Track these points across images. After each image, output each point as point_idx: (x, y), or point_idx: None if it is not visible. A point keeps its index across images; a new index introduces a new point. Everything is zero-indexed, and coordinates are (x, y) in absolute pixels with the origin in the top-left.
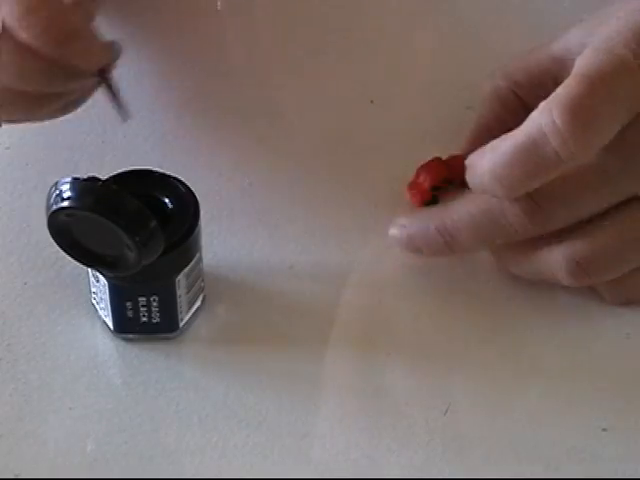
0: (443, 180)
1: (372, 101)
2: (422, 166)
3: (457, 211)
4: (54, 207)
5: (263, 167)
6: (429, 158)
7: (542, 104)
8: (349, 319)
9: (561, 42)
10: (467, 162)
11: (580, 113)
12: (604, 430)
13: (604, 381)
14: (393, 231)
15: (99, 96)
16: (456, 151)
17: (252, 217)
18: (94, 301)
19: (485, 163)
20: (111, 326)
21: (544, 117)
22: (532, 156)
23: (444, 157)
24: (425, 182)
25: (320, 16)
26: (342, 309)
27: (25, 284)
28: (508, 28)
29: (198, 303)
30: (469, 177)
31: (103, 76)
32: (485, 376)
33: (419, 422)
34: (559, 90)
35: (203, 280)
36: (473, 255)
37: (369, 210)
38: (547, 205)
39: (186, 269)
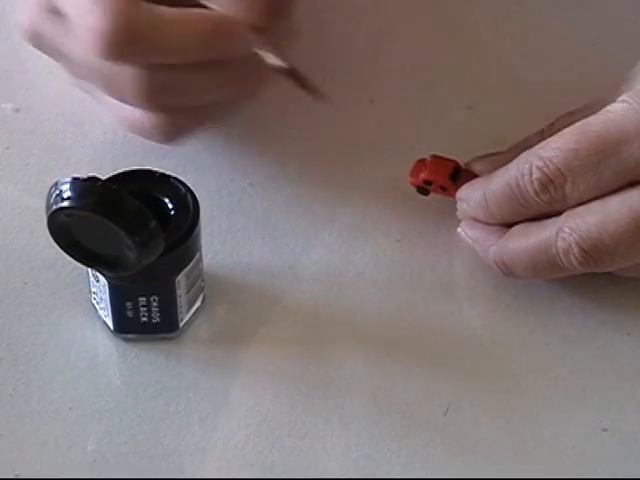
0: (439, 186)
1: (372, 101)
2: (435, 157)
3: (514, 246)
4: (54, 207)
5: (263, 167)
6: (431, 155)
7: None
8: (349, 319)
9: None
10: (460, 196)
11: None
12: (604, 430)
13: (604, 381)
14: (460, 232)
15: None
16: (456, 151)
17: (252, 217)
18: (94, 301)
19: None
20: (111, 326)
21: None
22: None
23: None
24: (423, 173)
25: (319, 15)
26: (342, 309)
27: (25, 284)
28: (508, 28)
29: (198, 303)
30: (460, 212)
31: (289, 71)
32: (485, 376)
33: (419, 422)
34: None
35: (203, 280)
36: (474, 255)
37: (369, 210)
38: (600, 257)
39: (186, 269)
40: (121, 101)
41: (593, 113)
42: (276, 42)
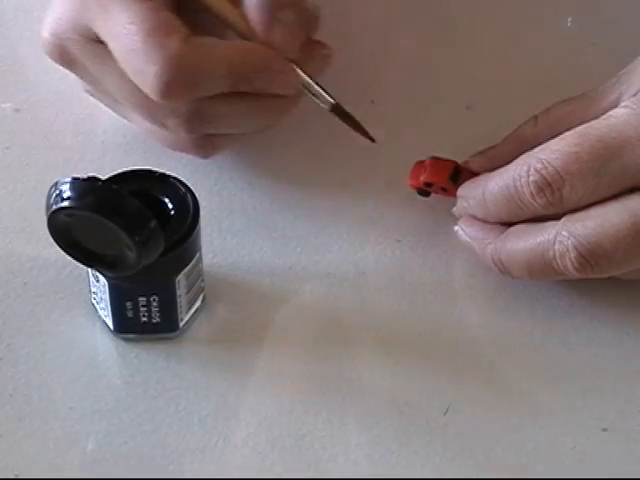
0: (440, 188)
1: (372, 101)
2: (434, 159)
3: (511, 246)
4: (54, 207)
5: (263, 167)
6: (430, 157)
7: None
8: (349, 319)
9: (611, 96)
10: (460, 194)
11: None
12: (604, 430)
13: (604, 381)
14: (458, 230)
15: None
16: (456, 151)
17: (252, 217)
18: (94, 301)
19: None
20: (111, 326)
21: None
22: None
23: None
24: (423, 176)
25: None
26: (342, 309)
27: (25, 284)
28: (508, 28)
29: (198, 303)
30: (457, 209)
31: (337, 110)
32: (485, 376)
33: (419, 422)
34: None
35: (203, 280)
36: (474, 255)
37: (369, 210)
38: (597, 262)
39: (186, 269)
40: (160, 127)
41: (589, 102)
42: (318, 72)
